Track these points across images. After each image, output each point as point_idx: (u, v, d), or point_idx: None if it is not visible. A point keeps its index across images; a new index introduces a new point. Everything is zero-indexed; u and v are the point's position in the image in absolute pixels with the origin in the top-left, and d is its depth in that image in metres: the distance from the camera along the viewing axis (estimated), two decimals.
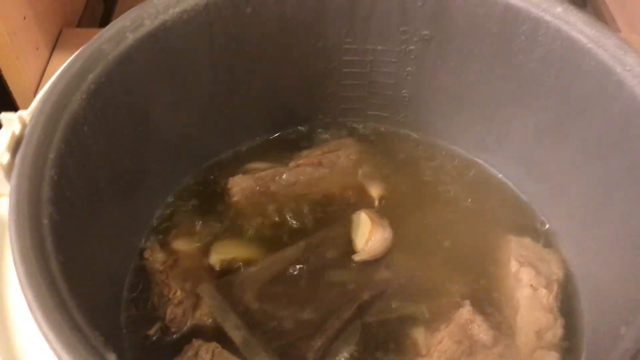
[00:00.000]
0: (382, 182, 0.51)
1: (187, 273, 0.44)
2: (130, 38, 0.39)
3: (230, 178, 0.49)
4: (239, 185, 0.49)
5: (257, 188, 0.49)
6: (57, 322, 0.29)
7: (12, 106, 0.69)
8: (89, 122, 0.37)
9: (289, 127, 0.55)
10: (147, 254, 0.45)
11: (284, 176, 0.50)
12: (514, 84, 0.46)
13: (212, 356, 0.39)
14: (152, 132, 0.44)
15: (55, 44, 0.74)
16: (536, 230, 0.48)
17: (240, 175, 0.50)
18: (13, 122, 0.35)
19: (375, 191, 0.50)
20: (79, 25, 0.80)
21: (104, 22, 0.84)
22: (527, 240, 0.46)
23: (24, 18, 0.66)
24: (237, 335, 0.41)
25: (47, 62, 0.72)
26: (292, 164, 0.51)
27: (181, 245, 0.46)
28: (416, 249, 0.47)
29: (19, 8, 0.65)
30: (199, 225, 0.48)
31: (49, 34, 0.72)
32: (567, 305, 0.44)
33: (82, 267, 0.34)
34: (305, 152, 0.52)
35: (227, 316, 0.42)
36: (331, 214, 0.49)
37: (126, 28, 0.40)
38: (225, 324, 0.42)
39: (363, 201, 0.50)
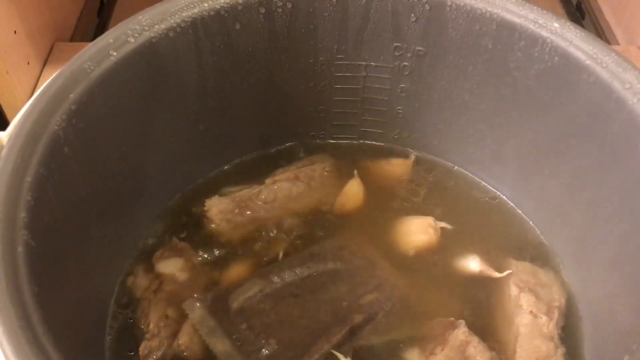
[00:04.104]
0: (367, 198, 0.50)
1: (172, 297, 0.43)
2: (114, 56, 0.38)
3: (206, 200, 0.48)
4: (217, 207, 0.47)
5: (236, 209, 0.48)
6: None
7: (2, 121, 0.68)
8: (70, 143, 0.36)
9: (278, 145, 0.54)
10: (129, 281, 0.44)
11: (261, 194, 0.49)
12: (509, 101, 0.45)
13: None
14: (136, 153, 0.43)
15: (47, 58, 0.73)
16: (536, 252, 0.47)
17: (217, 197, 0.48)
18: None
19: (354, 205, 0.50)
20: (72, 39, 0.79)
21: (97, 36, 0.82)
22: (527, 264, 0.45)
23: (15, 32, 0.65)
24: (221, 351, 0.40)
25: (39, 77, 0.71)
26: (268, 180, 0.49)
27: (165, 268, 0.45)
28: (409, 269, 0.46)
29: (10, 22, 0.64)
30: (183, 247, 0.46)
31: (40, 48, 0.71)
32: (568, 332, 0.42)
33: (59, 298, 0.33)
34: (280, 170, 0.51)
35: (212, 332, 0.41)
36: (315, 228, 0.48)
37: (109, 46, 0.39)
38: (210, 340, 0.40)
39: (346, 215, 0.49)
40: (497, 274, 0.45)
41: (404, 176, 0.52)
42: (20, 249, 0.30)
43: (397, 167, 0.53)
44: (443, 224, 0.47)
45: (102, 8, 0.87)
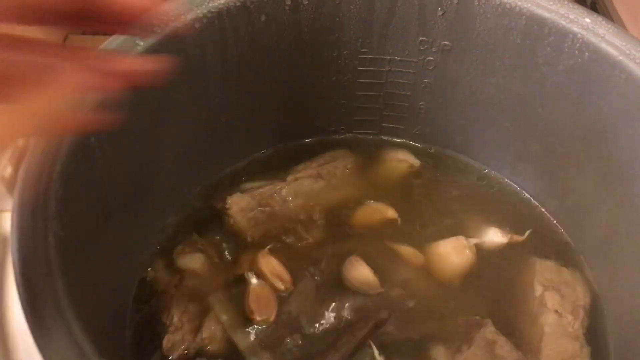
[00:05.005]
0: (391, 197, 0.49)
1: (192, 292, 0.42)
2: (140, 46, 0.38)
3: (228, 197, 0.47)
4: (238, 205, 0.47)
5: (257, 206, 0.47)
6: (60, 349, 0.27)
7: None
8: (96, 133, 0.36)
9: (298, 139, 0.53)
10: (150, 275, 0.43)
11: (283, 191, 0.48)
12: (536, 97, 0.44)
13: None
14: (158, 145, 0.43)
15: None
16: (560, 251, 0.46)
17: (238, 193, 0.47)
18: None
19: (387, 209, 0.48)
20: (85, 32, 0.78)
21: None
22: (551, 263, 0.44)
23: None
24: (245, 346, 0.40)
25: None
26: (290, 177, 0.49)
27: (186, 263, 0.44)
28: (432, 267, 0.45)
29: None
30: (204, 242, 0.46)
31: (54, 40, 0.71)
32: (593, 331, 0.42)
33: (86, 289, 0.32)
34: (301, 166, 0.50)
35: (236, 327, 0.41)
36: (336, 227, 0.47)
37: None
38: (234, 335, 0.40)
39: (370, 215, 0.48)
40: (520, 237, 0.45)
41: (421, 173, 0.52)
42: (50, 239, 0.30)
43: (414, 165, 0.52)
44: (476, 240, 0.45)
45: None
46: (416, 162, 0.52)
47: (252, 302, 0.41)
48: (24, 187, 0.31)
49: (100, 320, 0.36)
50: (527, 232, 0.46)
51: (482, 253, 0.46)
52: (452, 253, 0.45)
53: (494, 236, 0.46)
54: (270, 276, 0.43)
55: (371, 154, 0.53)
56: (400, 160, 0.52)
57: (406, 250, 0.46)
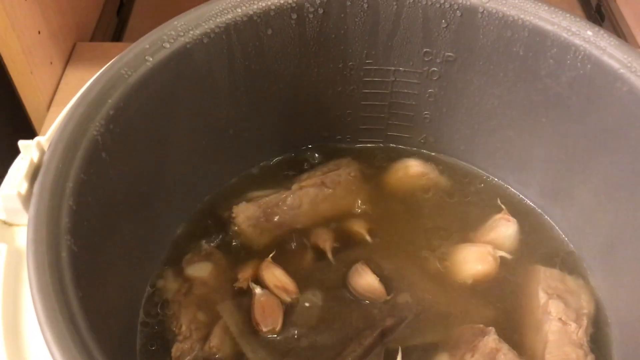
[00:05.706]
0: (396, 204, 0.50)
1: (201, 300, 0.43)
2: (150, 61, 0.39)
3: (234, 207, 0.48)
4: (244, 214, 0.48)
5: (263, 214, 0.48)
6: None
7: (26, 121, 0.68)
8: (107, 149, 0.36)
9: (304, 148, 0.54)
10: (159, 284, 0.44)
11: (288, 200, 0.49)
12: (539, 107, 0.45)
13: None
14: (169, 157, 0.43)
15: (69, 58, 0.73)
16: (564, 259, 0.47)
17: (244, 202, 0.48)
18: (31, 149, 0.35)
19: (364, 224, 0.49)
20: (92, 39, 0.79)
21: (117, 35, 0.83)
22: (555, 271, 0.45)
23: (39, 33, 0.66)
24: (254, 355, 0.40)
25: (61, 77, 0.71)
26: (294, 186, 0.49)
27: (195, 272, 0.45)
28: (438, 275, 0.46)
29: (35, 23, 0.65)
30: (212, 251, 0.47)
31: (62, 48, 0.72)
32: (597, 339, 0.42)
33: (99, 302, 0.33)
34: (306, 175, 0.51)
35: (244, 335, 0.41)
36: (341, 235, 0.48)
37: (145, 51, 0.39)
38: (242, 343, 0.41)
39: (375, 220, 0.49)
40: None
41: (428, 183, 0.52)
42: (64, 254, 0.31)
43: (421, 174, 0.53)
44: (502, 253, 0.46)
45: (121, 7, 0.87)
46: (421, 169, 0.52)
47: (257, 314, 0.42)
48: (38, 202, 0.32)
49: (111, 330, 0.37)
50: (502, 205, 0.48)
51: None
52: (473, 260, 0.46)
53: (506, 229, 0.47)
54: (274, 288, 0.43)
55: (377, 162, 0.53)
56: (406, 169, 0.53)
57: (413, 256, 0.46)
